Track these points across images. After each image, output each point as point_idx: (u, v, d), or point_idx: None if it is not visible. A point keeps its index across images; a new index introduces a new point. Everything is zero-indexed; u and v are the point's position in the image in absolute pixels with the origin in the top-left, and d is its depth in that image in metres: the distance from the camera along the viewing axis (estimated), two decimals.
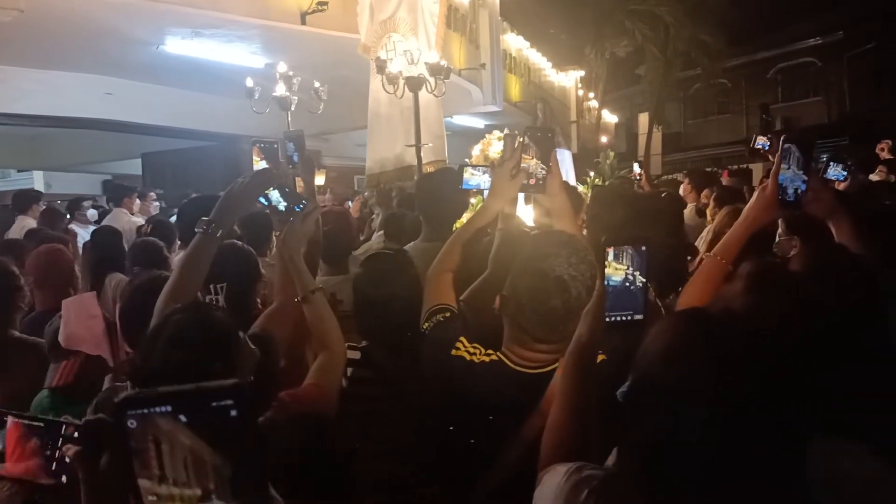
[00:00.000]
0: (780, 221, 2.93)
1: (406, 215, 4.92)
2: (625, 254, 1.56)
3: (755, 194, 2.09)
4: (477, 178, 2.98)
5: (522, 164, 2.26)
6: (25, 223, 8.00)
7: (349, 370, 2.47)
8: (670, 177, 16.08)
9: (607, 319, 1.57)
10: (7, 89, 10.53)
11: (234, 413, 0.71)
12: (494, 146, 7.74)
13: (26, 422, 1.58)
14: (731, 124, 30.66)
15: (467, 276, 2.41)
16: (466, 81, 11.56)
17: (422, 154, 7.75)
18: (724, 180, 9.32)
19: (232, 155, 14.23)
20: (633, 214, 3.40)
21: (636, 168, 12.66)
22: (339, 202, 9.30)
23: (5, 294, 3.15)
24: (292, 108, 8.07)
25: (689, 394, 1.07)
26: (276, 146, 2.45)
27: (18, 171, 20.96)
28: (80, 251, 5.33)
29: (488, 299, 2.09)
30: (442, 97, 8.11)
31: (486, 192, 2.70)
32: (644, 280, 1.58)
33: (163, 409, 0.70)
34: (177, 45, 9.07)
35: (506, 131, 7.30)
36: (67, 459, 1.51)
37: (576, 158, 9.91)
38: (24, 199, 8.77)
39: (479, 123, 15.06)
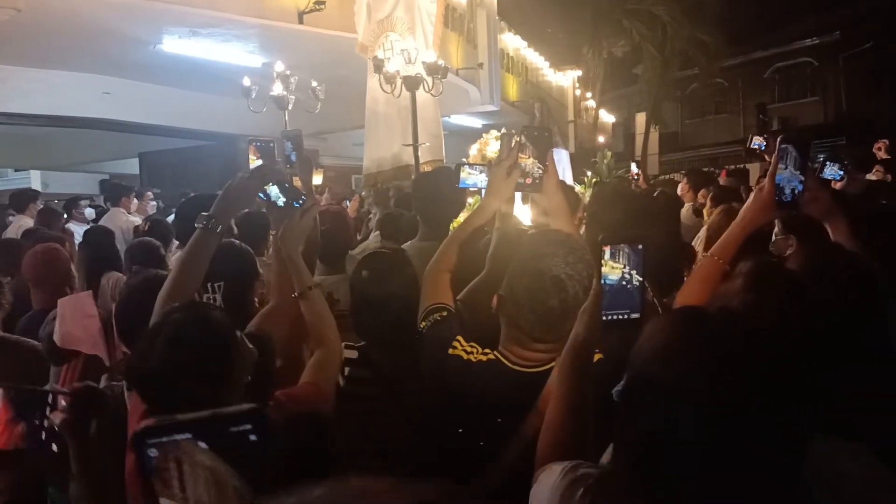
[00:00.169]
0: (776, 221, 2.93)
1: (403, 215, 4.92)
2: (621, 252, 1.56)
3: (752, 195, 2.09)
4: (474, 178, 2.98)
5: (519, 164, 2.26)
6: (23, 223, 7.99)
7: (347, 370, 2.47)
8: (668, 177, 16.12)
9: (604, 318, 1.57)
10: (4, 89, 10.51)
11: (253, 437, 0.72)
12: (492, 146, 7.73)
13: (13, 392, 1.58)
14: (728, 124, 30.69)
15: (465, 276, 2.41)
16: (464, 81, 11.57)
17: (419, 153, 7.75)
18: (722, 180, 9.34)
19: (229, 154, 14.21)
20: (630, 214, 3.40)
21: (633, 168, 12.70)
22: (337, 201, 9.30)
23: None
24: (289, 108, 8.08)
25: (685, 392, 1.07)
26: (272, 145, 2.45)
27: (15, 171, 20.94)
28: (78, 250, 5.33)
29: (486, 298, 2.09)
30: (439, 96, 8.12)
31: (483, 192, 2.70)
32: (640, 279, 1.58)
33: (183, 436, 0.71)
34: (174, 45, 9.06)
35: (503, 130, 7.30)
36: (56, 428, 1.51)
37: (573, 158, 9.91)
38: (22, 199, 8.76)
39: (477, 123, 15.06)
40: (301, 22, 8.90)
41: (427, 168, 7.55)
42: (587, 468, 1.31)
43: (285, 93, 8.05)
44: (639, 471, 1.12)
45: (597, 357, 1.71)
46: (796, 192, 1.99)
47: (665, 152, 27.22)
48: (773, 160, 2.02)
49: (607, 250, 1.56)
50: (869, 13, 24.62)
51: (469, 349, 2.05)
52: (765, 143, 6.05)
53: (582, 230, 2.84)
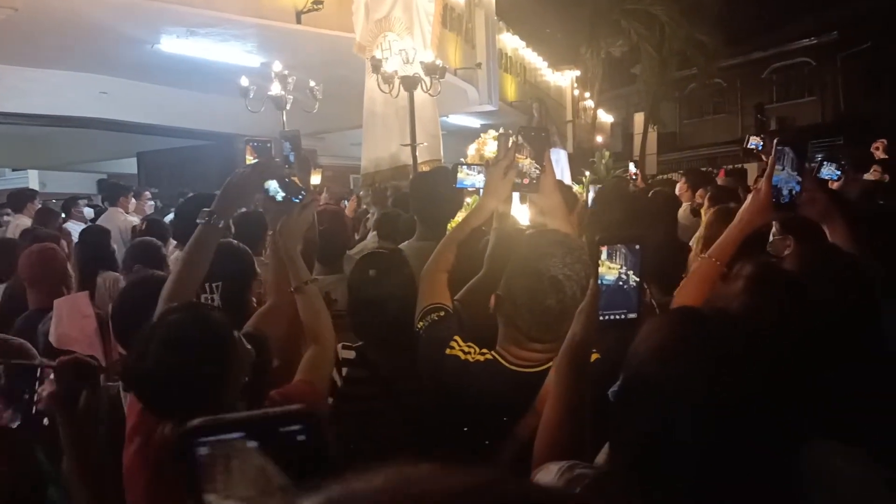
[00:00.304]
0: (774, 221, 2.93)
1: (400, 215, 4.92)
2: (618, 253, 1.56)
3: (750, 196, 2.09)
4: (472, 178, 2.98)
5: (517, 164, 2.26)
6: (21, 222, 7.98)
7: (344, 370, 2.47)
8: (666, 176, 16.10)
9: (601, 318, 1.57)
10: (1, 88, 10.51)
11: (301, 438, 0.72)
12: (490, 145, 7.75)
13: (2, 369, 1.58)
14: (726, 124, 30.71)
15: (462, 276, 2.41)
16: (462, 81, 11.57)
17: (417, 153, 7.76)
18: (720, 180, 9.33)
19: (227, 154, 14.21)
20: (628, 213, 3.41)
21: (632, 168, 12.70)
22: (336, 201, 9.30)
23: None
24: (287, 107, 8.09)
25: (681, 392, 1.07)
26: (269, 145, 2.45)
27: (13, 170, 20.93)
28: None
29: (483, 298, 2.09)
30: (437, 96, 8.12)
31: (481, 192, 2.70)
32: (637, 279, 1.58)
33: (234, 435, 0.71)
34: (172, 44, 9.06)
35: (501, 130, 7.31)
36: (45, 401, 1.51)
37: (571, 158, 9.93)
38: (20, 199, 8.74)
39: (475, 123, 15.08)
40: (299, 22, 8.90)
41: (425, 168, 7.55)
42: (583, 468, 1.31)
43: (283, 92, 8.07)
44: (635, 471, 1.12)
45: (594, 357, 1.71)
46: (794, 193, 1.99)
47: (663, 152, 27.24)
48: (769, 161, 2.02)
49: (604, 250, 1.56)
50: (867, 14, 24.64)
51: (466, 349, 2.04)
52: (761, 143, 6.06)
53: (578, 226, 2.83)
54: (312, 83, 8.71)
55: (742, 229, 2.04)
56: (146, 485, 1.75)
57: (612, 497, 1.18)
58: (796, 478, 1.09)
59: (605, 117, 26.79)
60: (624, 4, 24.07)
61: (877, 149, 7.98)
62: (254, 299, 2.79)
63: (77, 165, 20.74)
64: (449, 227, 3.39)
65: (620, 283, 1.58)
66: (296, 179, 2.38)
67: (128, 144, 17.65)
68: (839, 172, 4.25)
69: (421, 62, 7.80)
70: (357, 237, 6.02)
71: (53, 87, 10.92)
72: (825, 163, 4.15)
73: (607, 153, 13.45)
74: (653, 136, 25.60)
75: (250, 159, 2.41)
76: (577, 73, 22.22)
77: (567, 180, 7.53)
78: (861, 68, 25.66)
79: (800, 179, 1.98)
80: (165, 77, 10.83)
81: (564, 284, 1.87)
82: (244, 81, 8.22)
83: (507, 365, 1.97)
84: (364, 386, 2.40)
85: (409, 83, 7.59)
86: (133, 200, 9.24)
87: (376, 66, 7.86)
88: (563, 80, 21.05)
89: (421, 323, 2.18)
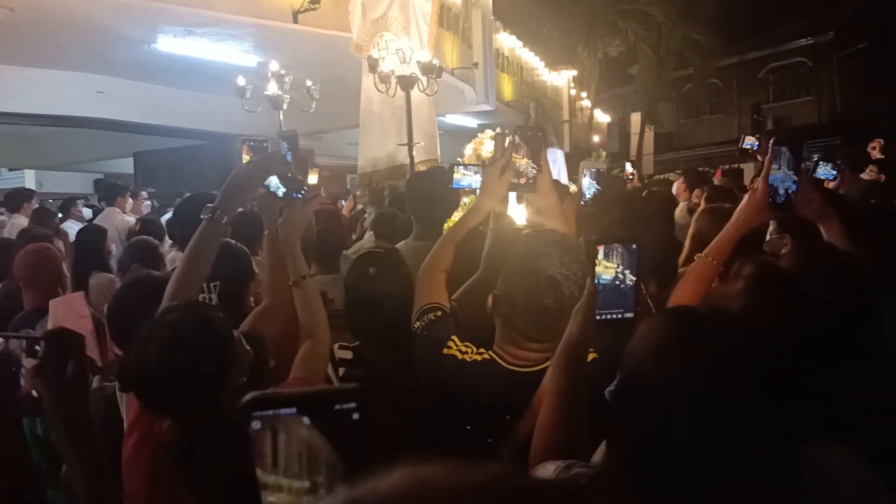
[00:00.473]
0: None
1: (397, 214, 4.91)
2: (615, 252, 1.56)
3: (746, 196, 2.09)
4: (468, 178, 2.98)
5: (513, 164, 2.26)
6: (17, 222, 7.96)
7: (341, 370, 2.47)
8: (662, 176, 16.11)
9: (598, 318, 1.57)
10: None
11: (355, 416, 0.72)
12: (487, 145, 7.75)
13: None
14: (722, 124, 30.74)
15: (459, 276, 2.41)
16: (459, 80, 11.57)
17: (414, 153, 7.76)
18: (717, 180, 9.33)
19: (224, 154, 14.20)
20: (626, 213, 3.42)
21: (628, 167, 12.70)
22: (333, 201, 9.30)
23: None
24: (284, 107, 8.08)
25: (678, 392, 1.07)
26: (265, 144, 2.45)
27: (9, 170, 20.88)
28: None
29: (480, 298, 2.09)
30: (434, 96, 8.13)
31: (477, 192, 2.70)
32: (634, 278, 1.58)
33: (288, 411, 0.71)
34: (169, 44, 9.04)
35: (497, 130, 7.31)
36: (31, 373, 1.51)
37: (568, 158, 9.92)
38: (16, 198, 8.71)
39: (472, 122, 15.07)
40: (296, 21, 8.89)
41: (422, 168, 7.55)
42: (580, 468, 1.31)
43: (280, 92, 8.07)
44: (632, 470, 1.12)
45: (591, 356, 1.71)
46: (790, 192, 1.99)
47: (660, 152, 27.28)
48: (766, 161, 2.02)
49: (601, 250, 1.56)
50: (863, 14, 24.70)
51: (464, 349, 2.04)
52: (757, 143, 6.07)
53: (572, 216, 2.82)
54: (309, 83, 8.70)
55: (738, 229, 2.04)
56: (145, 478, 1.75)
57: (609, 496, 1.18)
58: (795, 478, 1.09)
59: (602, 117, 26.82)
60: (620, 5, 24.10)
61: (873, 148, 7.99)
62: (251, 299, 2.79)
63: (74, 165, 20.69)
64: (445, 227, 3.39)
65: (617, 282, 1.58)
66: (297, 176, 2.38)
67: (124, 144, 17.62)
68: (835, 172, 4.26)
69: (418, 62, 7.80)
70: (354, 237, 6.01)
71: (50, 87, 10.90)
72: (821, 162, 4.15)
73: (604, 153, 13.45)
74: (649, 135, 25.63)
75: (247, 159, 2.41)
76: (574, 72, 22.23)
77: (564, 180, 7.52)
78: (857, 68, 25.71)
79: (796, 179, 1.99)
80: (162, 77, 10.81)
81: (562, 284, 1.87)
82: (241, 81, 8.22)
83: (504, 365, 1.96)
84: None
85: (406, 83, 7.59)
86: (130, 200, 9.22)
87: (373, 65, 7.86)
88: (560, 79, 21.05)
89: (418, 323, 2.18)
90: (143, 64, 9.87)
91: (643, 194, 5.33)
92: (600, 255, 1.56)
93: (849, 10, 25.28)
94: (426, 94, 7.91)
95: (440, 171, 3.94)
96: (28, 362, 1.51)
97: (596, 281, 1.56)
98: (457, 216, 3.61)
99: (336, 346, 2.45)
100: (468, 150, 8.58)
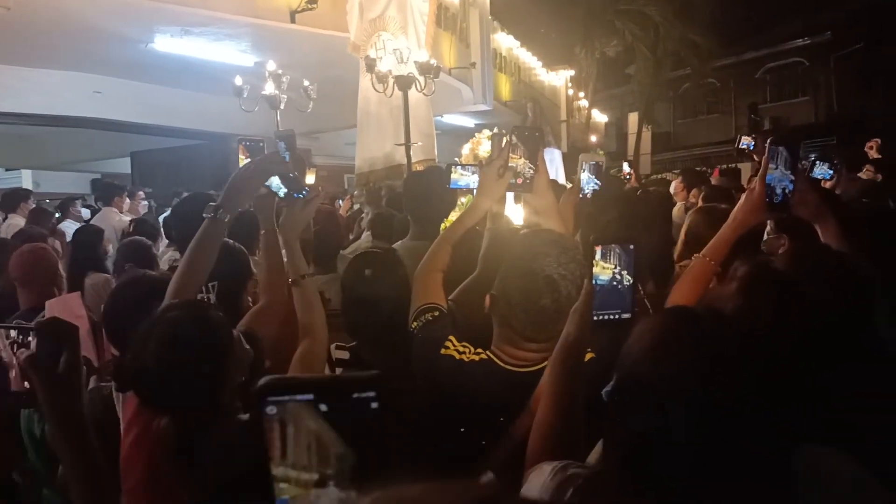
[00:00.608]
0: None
1: (394, 214, 4.91)
2: (612, 252, 1.56)
3: (743, 196, 2.09)
4: (465, 179, 2.98)
5: (510, 164, 2.26)
6: (14, 222, 7.94)
7: (338, 370, 2.46)
8: (660, 176, 16.12)
9: (595, 318, 1.57)
10: None
11: (374, 405, 0.70)
12: (484, 145, 7.73)
13: None
14: (720, 124, 30.78)
15: (456, 276, 2.41)
16: (456, 80, 11.57)
17: (411, 153, 7.75)
18: (714, 179, 9.34)
19: (221, 154, 14.17)
20: (623, 213, 3.41)
21: (626, 167, 12.70)
22: (330, 201, 9.29)
23: None
24: (282, 107, 8.07)
25: (674, 392, 1.07)
26: (262, 144, 2.45)
27: (6, 170, 20.82)
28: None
29: (477, 298, 2.08)
30: (431, 96, 8.12)
31: (475, 191, 2.70)
32: (631, 279, 1.58)
33: (304, 397, 0.70)
34: (166, 44, 9.03)
35: (495, 130, 7.30)
36: (23, 365, 1.50)
37: (566, 157, 9.91)
38: (13, 198, 8.69)
39: (470, 122, 15.08)
40: (293, 21, 8.88)
41: (419, 167, 7.55)
42: (577, 468, 1.30)
43: (277, 92, 8.05)
44: (628, 471, 1.12)
45: (589, 356, 1.71)
46: (787, 192, 1.99)
47: (657, 152, 27.33)
48: (763, 161, 2.02)
49: (598, 250, 1.56)
50: (860, 14, 24.73)
51: (461, 349, 2.04)
52: (753, 143, 6.07)
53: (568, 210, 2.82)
54: (306, 83, 8.69)
55: (736, 229, 2.04)
56: (143, 475, 1.75)
57: (606, 497, 1.18)
58: (791, 478, 1.09)
59: (600, 117, 26.85)
60: (618, 5, 24.12)
61: (870, 148, 8.01)
62: (249, 299, 2.78)
63: (70, 165, 20.64)
64: (442, 227, 3.39)
65: (615, 282, 1.58)
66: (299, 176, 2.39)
67: (122, 144, 17.60)
68: (831, 172, 4.27)
69: (415, 62, 7.79)
70: (351, 237, 6.01)
71: (47, 87, 10.88)
72: (817, 162, 4.16)
73: (601, 152, 13.44)
74: (647, 135, 25.67)
75: (243, 159, 2.40)
76: (572, 72, 22.24)
77: (561, 180, 7.52)
78: (854, 68, 25.74)
79: (793, 178, 1.99)
80: (159, 76, 10.80)
81: (559, 284, 1.87)
82: (238, 81, 8.20)
83: (501, 365, 1.96)
84: None
85: (404, 83, 7.58)
86: (127, 200, 9.21)
87: (370, 65, 7.85)
88: (558, 79, 21.07)
89: (415, 323, 2.18)
90: (140, 64, 9.85)
91: (641, 194, 5.33)
92: (597, 256, 1.56)
93: (845, 11, 25.31)
94: (423, 93, 7.91)
95: (437, 171, 3.94)
96: (22, 353, 1.50)
97: (593, 281, 1.56)
98: (454, 216, 3.60)
99: (333, 346, 2.44)
100: (465, 149, 8.56)
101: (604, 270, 1.57)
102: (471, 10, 12.02)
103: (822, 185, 4.03)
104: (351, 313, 2.50)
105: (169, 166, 17.24)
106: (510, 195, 2.69)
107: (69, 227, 7.69)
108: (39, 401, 1.49)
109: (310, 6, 8.77)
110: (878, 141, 8.06)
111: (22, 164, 19.89)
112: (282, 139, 2.50)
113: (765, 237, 2.93)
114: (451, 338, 2.07)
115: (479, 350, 2.02)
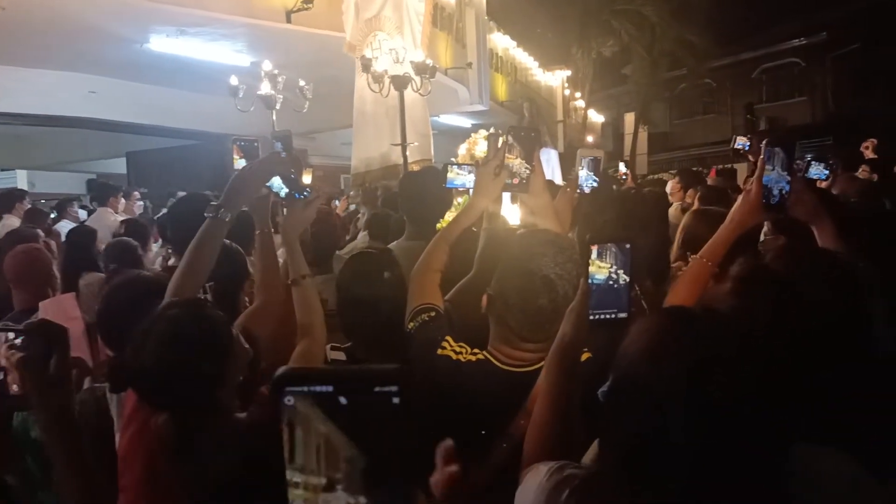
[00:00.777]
0: None
1: (390, 215, 4.91)
2: (608, 252, 1.56)
3: (740, 197, 2.09)
4: (462, 178, 2.97)
5: (506, 164, 2.25)
6: (9, 222, 7.92)
7: None
8: (656, 176, 16.14)
9: (591, 318, 1.57)
10: None
11: (396, 400, 0.68)
12: (480, 145, 7.74)
13: None
14: (716, 124, 30.81)
15: (453, 276, 2.40)
16: (453, 80, 11.57)
17: (407, 153, 7.75)
18: (711, 180, 9.35)
19: (217, 154, 14.14)
20: (620, 213, 3.41)
21: (622, 167, 12.72)
22: (326, 201, 9.28)
23: None
24: (277, 107, 8.06)
25: (671, 392, 1.07)
26: (256, 144, 2.44)
27: (1, 171, 20.78)
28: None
29: (474, 299, 2.08)
30: (428, 96, 8.12)
31: (471, 191, 2.69)
32: (628, 278, 1.58)
33: (324, 388, 0.68)
34: (161, 44, 9.02)
35: (491, 130, 7.31)
36: (13, 366, 1.49)
37: (562, 158, 9.92)
38: (9, 198, 8.67)
39: (466, 122, 15.08)
40: (289, 21, 8.88)
41: (415, 167, 7.54)
42: (573, 469, 1.30)
43: (273, 92, 8.04)
44: (625, 471, 1.12)
45: (585, 356, 1.71)
46: (784, 192, 1.99)
47: (654, 152, 27.36)
48: (759, 162, 2.02)
49: (595, 249, 1.55)
50: (856, 15, 24.78)
51: (458, 349, 2.04)
52: (748, 143, 6.07)
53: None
54: (302, 83, 8.69)
55: (733, 230, 2.04)
56: (140, 472, 1.74)
57: (602, 498, 1.18)
58: (788, 478, 1.08)
59: (596, 117, 26.87)
60: (614, 5, 24.16)
61: (866, 148, 8.03)
62: (246, 299, 2.78)
63: (66, 165, 20.63)
64: (438, 227, 3.38)
65: (611, 282, 1.58)
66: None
67: (117, 144, 17.58)
68: (827, 172, 4.28)
69: (411, 62, 7.79)
70: (347, 237, 6.01)
71: (42, 87, 10.86)
72: (813, 162, 4.17)
73: (601, 151, 13.45)
74: (643, 135, 25.71)
75: (237, 159, 2.40)
76: (568, 73, 22.26)
77: (557, 180, 7.51)
78: (850, 69, 25.80)
79: (790, 179, 1.99)
80: (155, 76, 10.78)
81: (556, 284, 1.86)
82: (234, 81, 8.19)
83: (498, 365, 1.96)
84: None
85: (400, 83, 7.58)
86: (122, 200, 9.19)
87: (366, 65, 7.85)
88: (554, 79, 21.08)
89: (412, 323, 2.17)
90: (136, 64, 9.84)
91: (637, 194, 5.32)
92: (594, 255, 1.55)
93: (842, 11, 25.36)
94: (420, 93, 7.90)
95: (433, 171, 3.94)
96: (10, 354, 1.50)
97: (590, 281, 1.55)
98: (450, 216, 3.60)
99: (328, 346, 2.44)
100: (462, 150, 8.56)
101: (600, 270, 1.57)
102: (467, 9, 12.02)
103: (818, 185, 4.04)
104: (347, 314, 2.50)
105: (164, 166, 17.22)
106: (506, 195, 2.68)
107: (65, 228, 7.66)
108: (31, 401, 1.49)
109: (305, 6, 8.77)
110: (874, 141, 8.08)
111: (17, 165, 19.86)
112: (279, 139, 2.49)
113: (762, 238, 2.93)
114: (448, 338, 2.06)
115: (476, 350, 2.02)
